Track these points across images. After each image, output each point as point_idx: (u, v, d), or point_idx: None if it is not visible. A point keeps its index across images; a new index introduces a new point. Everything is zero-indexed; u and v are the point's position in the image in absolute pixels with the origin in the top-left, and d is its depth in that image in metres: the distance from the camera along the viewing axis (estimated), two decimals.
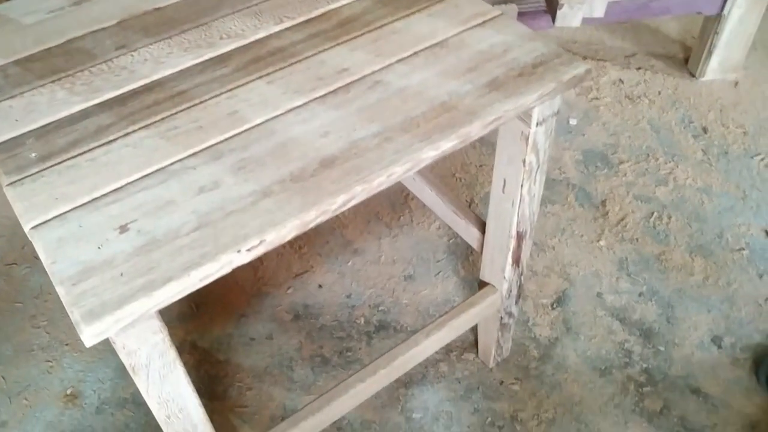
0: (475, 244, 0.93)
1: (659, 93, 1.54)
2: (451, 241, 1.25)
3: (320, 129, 0.62)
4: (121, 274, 0.51)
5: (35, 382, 1.06)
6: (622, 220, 1.28)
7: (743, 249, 1.23)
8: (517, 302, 0.97)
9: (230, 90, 0.66)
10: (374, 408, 1.03)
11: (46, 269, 0.52)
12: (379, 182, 0.58)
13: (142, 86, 0.67)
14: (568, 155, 1.40)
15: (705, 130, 1.45)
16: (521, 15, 1.33)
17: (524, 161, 0.74)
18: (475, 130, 0.62)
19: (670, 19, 1.72)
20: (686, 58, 1.61)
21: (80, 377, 1.07)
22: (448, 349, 1.09)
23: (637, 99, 1.52)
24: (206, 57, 0.70)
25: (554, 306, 1.15)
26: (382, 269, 1.21)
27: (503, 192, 0.80)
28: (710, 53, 1.52)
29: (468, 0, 0.76)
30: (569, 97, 1.52)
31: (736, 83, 1.55)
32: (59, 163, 0.60)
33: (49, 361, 1.08)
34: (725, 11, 1.43)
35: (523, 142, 0.72)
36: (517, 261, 0.88)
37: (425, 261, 1.22)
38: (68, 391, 1.05)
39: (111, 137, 0.62)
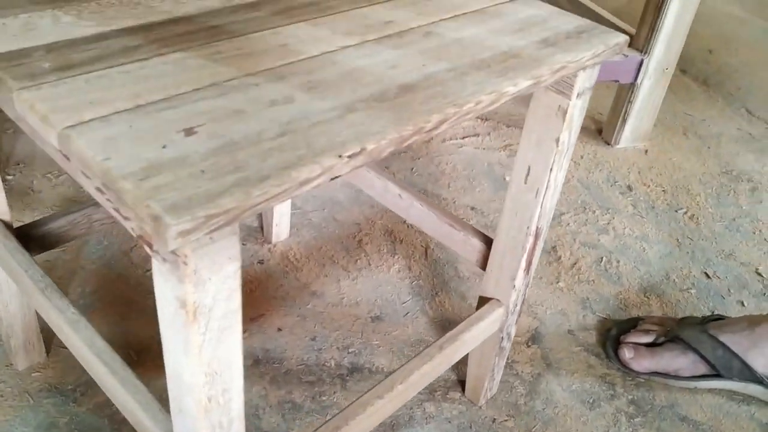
0: (475, 258, 0.88)
1: (582, 157, 1.61)
2: (414, 283, 1.17)
3: (386, 63, 0.56)
4: (203, 171, 0.40)
5: None
6: (575, 264, 1.28)
7: (690, 288, 1.27)
8: (516, 320, 0.90)
9: (272, 28, 0.59)
10: None
11: (94, 171, 0.40)
12: (468, 108, 0.52)
13: (165, 20, 0.57)
14: None
15: (630, 188, 1.53)
16: None
17: (557, 140, 0.71)
18: (546, 74, 0.59)
19: None
20: (599, 130, 1.72)
21: None
22: (431, 389, 0.99)
23: None
24: (234, 2, 0.62)
25: (529, 344, 1.10)
26: (346, 311, 1.10)
27: (525, 182, 0.76)
28: (624, 122, 1.63)
29: None
30: (500, 159, 1.55)
31: (646, 151, 1.67)
32: (84, 73, 0.48)
33: None
34: (638, 80, 1.56)
35: (560, 117, 0.70)
36: (529, 266, 0.83)
37: (390, 302, 1.13)
38: None
39: (143, 56, 0.51)
